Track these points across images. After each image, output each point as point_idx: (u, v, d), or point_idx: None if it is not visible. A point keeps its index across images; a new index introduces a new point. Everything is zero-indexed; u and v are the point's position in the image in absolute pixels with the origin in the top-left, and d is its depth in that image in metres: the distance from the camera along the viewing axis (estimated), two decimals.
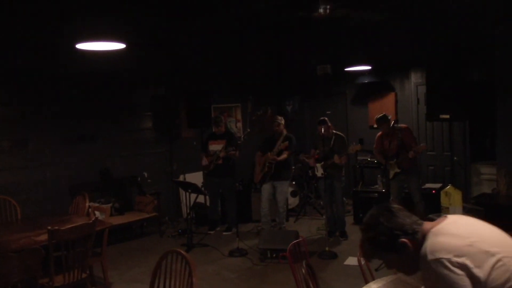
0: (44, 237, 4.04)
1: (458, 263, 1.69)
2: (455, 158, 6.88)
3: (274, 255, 5.78)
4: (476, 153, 7.20)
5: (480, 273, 1.69)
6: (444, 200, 4.54)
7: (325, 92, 9.26)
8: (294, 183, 8.38)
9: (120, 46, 4.29)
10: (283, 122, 6.76)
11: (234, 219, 6.91)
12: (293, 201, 8.26)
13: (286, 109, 9.95)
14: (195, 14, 5.67)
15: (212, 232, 7.21)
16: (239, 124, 9.13)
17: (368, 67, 7.91)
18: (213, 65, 8.32)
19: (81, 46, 4.14)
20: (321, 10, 3.40)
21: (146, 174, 7.68)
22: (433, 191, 6.59)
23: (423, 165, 7.77)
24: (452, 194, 4.47)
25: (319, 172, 6.46)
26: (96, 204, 6.29)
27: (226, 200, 7.23)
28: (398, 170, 6.12)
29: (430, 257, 1.73)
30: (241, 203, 7.33)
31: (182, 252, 2.95)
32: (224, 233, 7.13)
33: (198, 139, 7.63)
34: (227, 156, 6.84)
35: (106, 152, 7.15)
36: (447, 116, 5.71)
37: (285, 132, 6.77)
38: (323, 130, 6.30)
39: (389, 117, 6.24)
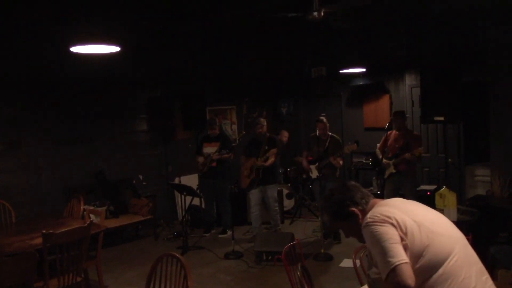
0: (38, 240, 4.03)
1: (383, 219, 1.91)
2: (449, 160, 6.91)
3: (269, 258, 5.78)
4: (470, 155, 7.23)
5: (405, 232, 1.87)
6: (438, 202, 4.56)
7: (320, 94, 9.28)
8: (289, 185, 8.39)
9: (115, 49, 4.28)
10: (265, 124, 6.69)
11: (229, 221, 6.91)
12: (289, 203, 8.26)
13: (281, 111, 9.97)
14: (189, 17, 5.67)
15: (207, 234, 7.20)
16: (234, 126, 9.13)
17: (363, 69, 7.94)
18: (208, 67, 8.32)
19: (76, 49, 4.12)
20: (315, 14, 3.42)
21: (141, 177, 7.66)
22: (428, 193, 6.60)
23: (418, 167, 7.78)
24: (446, 196, 4.49)
25: (314, 173, 6.45)
26: (91, 207, 6.27)
27: (221, 202, 7.22)
28: (393, 171, 6.10)
29: (367, 219, 1.97)
30: (236, 205, 7.32)
31: (177, 255, 2.95)
32: (219, 236, 7.12)
33: (193, 141, 7.63)
34: (221, 158, 6.83)
35: (101, 155, 7.13)
36: (442, 118, 5.73)
37: (267, 134, 6.72)
38: (320, 129, 6.29)
39: (407, 116, 6.23)
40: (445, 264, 1.82)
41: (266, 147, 6.53)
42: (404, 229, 1.86)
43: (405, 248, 1.82)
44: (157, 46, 7.35)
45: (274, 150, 6.46)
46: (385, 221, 1.90)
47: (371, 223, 1.93)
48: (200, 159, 7.02)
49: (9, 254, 3.76)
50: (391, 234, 1.84)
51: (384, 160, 6.14)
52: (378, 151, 6.42)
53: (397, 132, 6.17)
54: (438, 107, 5.78)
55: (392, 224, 1.88)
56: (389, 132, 6.31)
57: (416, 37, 7.26)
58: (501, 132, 5.71)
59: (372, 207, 2.10)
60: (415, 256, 1.83)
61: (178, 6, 5.54)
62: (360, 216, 2.10)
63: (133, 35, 5.98)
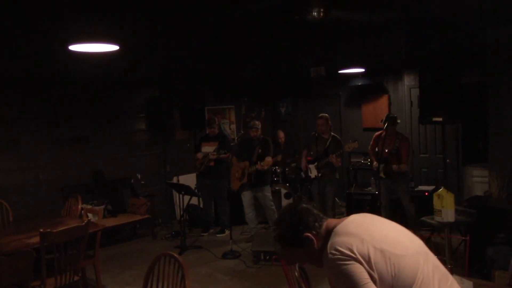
0: (36, 239, 4.02)
1: (348, 255, 1.81)
2: (447, 160, 6.90)
3: (267, 257, 5.78)
4: (468, 156, 7.23)
5: (371, 265, 1.80)
6: (436, 203, 4.57)
7: (319, 94, 9.28)
8: (287, 185, 8.38)
9: (113, 48, 4.27)
10: (260, 127, 6.61)
11: (227, 221, 6.90)
12: (287, 203, 8.26)
13: (280, 111, 9.96)
14: (188, 16, 5.66)
15: (205, 234, 7.19)
16: (233, 126, 9.13)
17: (362, 70, 7.93)
18: (207, 66, 8.31)
19: (75, 47, 4.11)
20: (314, 13, 3.41)
21: (139, 176, 7.66)
22: (426, 193, 6.61)
23: (416, 167, 7.79)
24: (444, 197, 4.50)
25: (313, 173, 6.43)
26: (89, 206, 6.27)
27: (219, 202, 7.22)
28: (383, 176, 6.11)
29: (329, 255, 1.87)
30: (234, 205, 7.32)
31: (175, 255, 2.94)
32: (217, 235, 7.12)
33: (192, 141, 7.62)
34: (218, 158, 6.83)
35: (99, 154, 7.13)
36: (440, 119, 5.72)
37: (261, 136, 6.62)
38: (319, 125, 6.26)
39: (398, 121, 6.24)
40: (414, 286, 1.81)
41: (260, 151, 6.46)
42: (369, 262, 1.80)
43: (375, 282, 1.78)
44: (156, 46, 7.34)
45: (269, 160, 6.30)
46: (350, 258, 1.81)
47: (336, 260, 1.83)
48: (199, 155, 7.01)
49: (7, 253, 3.76)
50: (359, 274, 1.78)
51: (374, 164, 6.17)
52: (370, 152, 6.48)
53: (385, 134, 6.15)
54: (436, 107, 5.77)
55: (357, 260, 1.80)
56: (377, 133, 6.35)
57: (415, 37, 7.26)
58: (499, 133, 5.72)
59: (327, 230, 1.99)
60: (385, 286, 1.80)
61: (177, 5, 5.53)
62: (315, 241, 1.99)
63: (132, 34, 5.98)
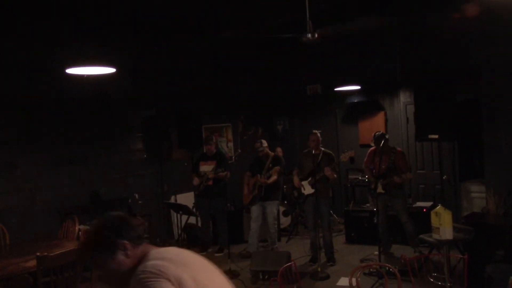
0: (32, 263, 3.99)
1: (158, 273, 1.74)
2: (444, 176, 6.91)
3: (266, 277, 5.74)
4: (465, 172, 7.25)
5: None
6: (434, 220, 4.57)
7: (315, 112, 9.33)
8: (285, 202, 8.37)
9: (110, 70, 4.31)
10: (266, 145, 6.85)
11: (226, 240, 6.87)
12: (285, 221, 8.24)
13: (277, 128, 9.99)
14: (184, 37, 5.72)
15: (204, 253, 7.15)
16: (230, 144, 9.14)
17: (358, 87, 7.99)
18: (203, 85, 8.35)
19: (71, 70, 4.15)
20: (309, 35, 3.46)
21: (137, 196, 7.63)
22: (424, 210, 6.61)
23: (413, 183, 7.81)
24: (442, 214, 4.50)
25: (307, 190, 6.36)
26: (86, 227, 6.22)
27: (217, 221, 7.21)
28: (382, 191, 6.12)
29: (138, 275, 1.76)
30: (232, 223, 7.30)
31: None
32: (216, 254, 7.09)
33: (189, 160, 7.63)
34: (217, 177, 6.83)
35: (96, 175, 7.10)
36: (436, 136, 5.75)
37: (271, 153, 6.83)
38: (312, 141, 6.27)
39: (387, 136, 6.26)
40: None
41: (270, 165, 6.69)
42: (179, 286, 1.76)
43: None
44: (152, 66, 7.39)
45: (277, 168, 6.62)
46: (159, 276, 1.73)
47: (144, 279, 1.74)
48: (195, 181, 7.02)
49: (3, 277, 3.73)
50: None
51: (372, 180, 6.20)
52: (365, 169, 6.50)
53: (377, 150, 6.21)
54: (432, 124, 5.80)
55: (169, 280, 1.74)
56: (372, 149, 6.40)
57: (410, 55, 7.34)
58: (494, 150, 5.75)
59: (143, 252, 1.90)
60: None
61: (173, 27, 5.59)
62: (129, 254, 1.88)
63: (128, 55, 6.02)
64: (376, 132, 6.53)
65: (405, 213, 6.20)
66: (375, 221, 6.38)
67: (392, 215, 6.42)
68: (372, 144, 6.46)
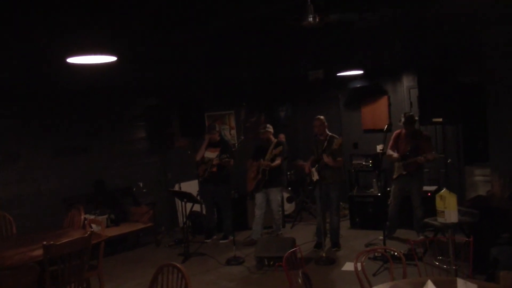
0: (39, 252, 4.01)
1: None
2: (449, 160, 6.90)
3: (271, 263, 5.77)
4: (470, 155, 7.22)
5: None
6: (439, 204, 4.55)
7: (318, 97, 9.28)
8: (290, 189, 8.38)
9: (111, 59, 4.28)
10: (271, 129, 6.82)
11: (230, 227, 6.90)
12: (289, 207, 8.26)
13: (279, 115, 9.96)
14: (186, 24, 5.67)
15: (208, 240, 7.19)
16: (233, 131, 9.13)
17: (360, 72, 7.93)
18: (205, 73, 8.31)
19: (72, 60, 4.12)
20: (310, 19, 3.43)
21: (141, 184, 7.66)
22: (429, 194, 6.60)
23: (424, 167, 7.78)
24: (447, 198, 4.48)
25: (315, 176, 6.33)
26: (92, 217, 6.26)
27: (222, 208, 7.23)
28: (403, 172, 6.12)
29: None
30: (237, 210, 7.33)
31: (178, 265, 2.95)
32: (220, 242, 7.12)
33: (192, 148, 7.63)
34: (221, 164, 6.84)
35: (100, 164, 7.13)
36: (440, 120, 5.73)
37: (274, 139, 6.82)
38: (315, 127, 6.23)
39: (416, 119, 6.17)
40: None
41: (274, 150, 6.66)
42: None
43: None
44: (153, 54, 7.34)
45: (280, 148, 6.60)
46: None
47: None
48: (198, 156, 7.04)
49: (10, 267, 3.76)
50: None
51: (395, 156, 6.13)
52: (389, 151, 6.30)
53: (405, 133, 6.16)
54: (436, 108, 5.78)
55: None
56: (397, 132, 6.31)
57: (412, 38, 7.26)
58: (499, 133, 5.71)
59: None
60: None
61: (174, 14, 5.54)
62: None
63: (129, 44, 5.98)
64: (406, 112, 6.41)
65: (419, 198, 6.19)
66: (389, 202, 6.38)
67: (401, 200, 6.37)
68: (400, 124, 6.26)
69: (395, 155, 6.19)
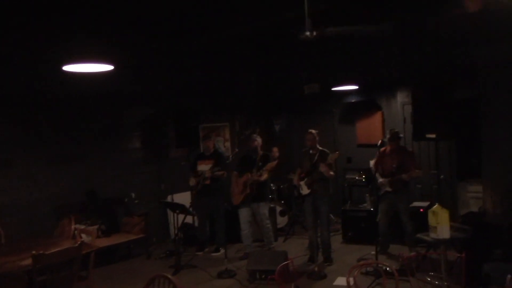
0: (28, 261, 3.97)
1: None
2: (441, 176, 6.92)
3: (263, 276, 5.73)
4: (462, 171, 7.25)
5: None
6: (431, 219, 4.56)
7: (313, 111, 9.31)
8: (282, 202, 8.36)
9: (108, 67, 4.28)
10: (259, 140, 6.75)
11: (223, 239, 6.85)
12: (282, 221, 8.22)
13: (274, 128, 9.97)
14: (183, 35, 5.69)
15: (200, 253, 7.14)
16: (228, 144, 9.12)
17: (355, 87, 7.98)
18: (201, 84, 8.32)
19: (68, 68, 4.12)
20: (307, 33, 3.44)
21: (133, 195, 7.61)
22: (421, 210, 6.60)
23: (411, 183, 7.79)
24: (439, 213, 4.49)
25: (304, 190, 6.32)
26: (82, 226, 6.20)
27: (215, 219, 7.19)
28: (389, 189, 6.13)
29: None
30: (229, 223, 7.28)
31: (169, 276, 2.92)
32: (212, 254, 7.06)
33: (186, 159, 7.61)
34: (214, 176, 6.81)
35: (92, 173, 7.08)
36: (433, 136, 5.75)
37: (260, 151, 6.75)
38: (308, 140, 6.25)
39: (401, 136, 6.29)
40: None
41: (260, 163, 6.54)
42: None
43: None
44: (150, 64, 7.34)
45: (273, 163, 6.49)
46: None
47: None
48: (192, 181, 6.98)
49: None
50: None
51: (380, 180, 6.18)
52: (373, 168, 6.43)
53: (390, 149, 6.23)
54: (430, 124, 5.81)
55: None
56: (382, 149, 6.36)
57: (407, 54, 7.32)
58: (492, 149, 5.74)
59: None
60: None
61: (171, 24, 5.56)
62: None
63: (126, 54, 5.99)
64: (391, 129, 6.49)
65: (407, 213, 6.20)
66: (377, 220, 6.38)
67: (391, 215, 6.38)
68: (385, 140, 6.40)
69: (380, 179, 6.22)
